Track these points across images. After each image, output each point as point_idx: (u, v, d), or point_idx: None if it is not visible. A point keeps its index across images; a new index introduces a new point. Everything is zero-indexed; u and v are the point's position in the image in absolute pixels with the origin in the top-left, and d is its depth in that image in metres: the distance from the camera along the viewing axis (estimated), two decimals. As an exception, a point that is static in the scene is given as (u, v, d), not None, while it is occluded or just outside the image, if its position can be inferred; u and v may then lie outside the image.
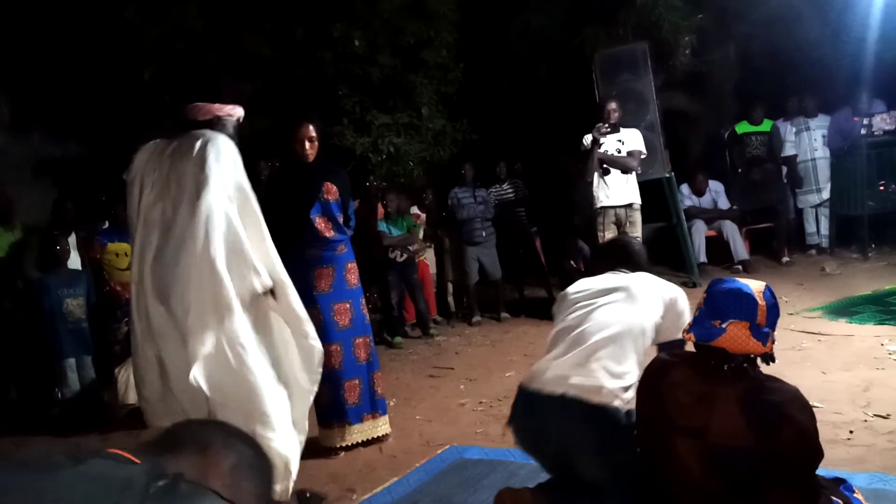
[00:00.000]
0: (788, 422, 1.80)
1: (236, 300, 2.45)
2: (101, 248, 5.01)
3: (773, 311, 1.94)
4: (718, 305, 1.93)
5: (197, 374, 2.40)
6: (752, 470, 1.81)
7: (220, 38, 6.51)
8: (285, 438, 2.55)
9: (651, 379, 2.09)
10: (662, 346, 2.40)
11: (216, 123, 2.70)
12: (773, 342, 1.93)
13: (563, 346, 2.36)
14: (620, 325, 2.30)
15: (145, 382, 2.62)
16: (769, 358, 1.94)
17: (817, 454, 1.85)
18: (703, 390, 1.91)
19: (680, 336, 2.21)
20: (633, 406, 2.21)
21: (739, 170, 7.32)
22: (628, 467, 2.15)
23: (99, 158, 6.30)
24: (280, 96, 6.66)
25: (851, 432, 2.89)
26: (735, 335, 1.89)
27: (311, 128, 3.53)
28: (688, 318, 2.35)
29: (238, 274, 2.48)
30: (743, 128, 7.25)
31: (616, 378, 2.22)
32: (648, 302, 2.39)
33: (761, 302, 1.91)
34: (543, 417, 2.28)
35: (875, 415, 3.05)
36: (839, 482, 2.00)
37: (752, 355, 1.92)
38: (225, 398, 2.46)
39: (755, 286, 1.96)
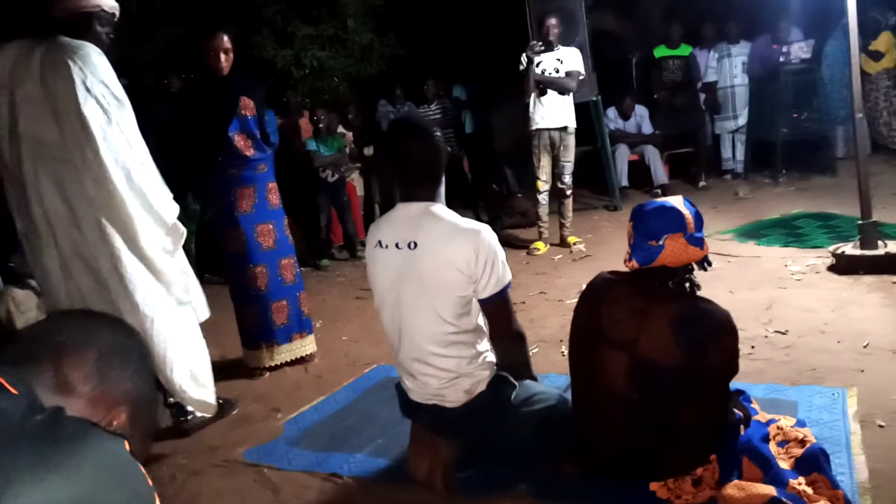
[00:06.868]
0: (716, 345, 1.90)
1: (143, 229, 2.55)
2: None
3: (699, 218, 2.02)
4: (650, 226, 1.99)
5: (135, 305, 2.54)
6: (672, 384, 1.92)
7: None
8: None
9: (591, 293, 2.15)
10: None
11: (84, 20, 2.48)
12: (707, 246, 2.02)
13: (398, 333, 2.20)
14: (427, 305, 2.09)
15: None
16: (706, 262, 2.03)
17: (734, 372, 1.98)
18: (639, 306, 1.99)
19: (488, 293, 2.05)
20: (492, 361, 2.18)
21: (655, 95, 7.41)
22: (524, 425, 2.17)
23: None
24: (195, 3, 6.23)
25: (753, 347, 3.08)
26: (674, 248, 1.96)
27: (225, 38, 3.32)
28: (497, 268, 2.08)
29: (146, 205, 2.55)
30: (661, 52, 7.27)
31: (454, 364, 2.13)
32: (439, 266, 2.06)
33: (686, 212, 1.99)
34: (420, 417, 2.28)
35: (775, 331, 3.26)
36: (739, 393, 2.14)
37: (692, 265, 2.00)
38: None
39: (674, 201, 2.04)
